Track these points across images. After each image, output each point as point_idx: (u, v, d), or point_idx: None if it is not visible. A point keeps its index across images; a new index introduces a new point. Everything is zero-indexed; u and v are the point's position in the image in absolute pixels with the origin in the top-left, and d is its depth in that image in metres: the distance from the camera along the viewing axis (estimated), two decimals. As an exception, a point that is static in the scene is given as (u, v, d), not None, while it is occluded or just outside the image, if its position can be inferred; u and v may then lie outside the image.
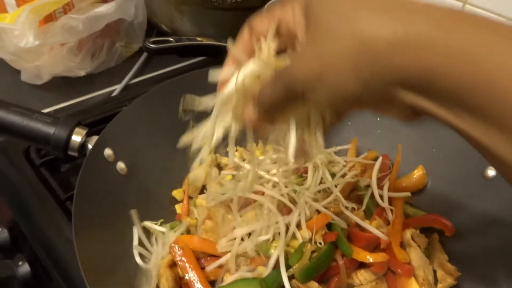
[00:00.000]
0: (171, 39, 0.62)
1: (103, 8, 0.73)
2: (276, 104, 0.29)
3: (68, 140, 0.43)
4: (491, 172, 0.47)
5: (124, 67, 0.80)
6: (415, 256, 0.45)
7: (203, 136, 0.35)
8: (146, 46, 0.61)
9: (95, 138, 0.44)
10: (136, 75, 0.79)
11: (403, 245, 0.47)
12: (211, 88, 0.56)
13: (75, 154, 0.44)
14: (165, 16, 0.82)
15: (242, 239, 0.43)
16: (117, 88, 0.75)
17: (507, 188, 0.45)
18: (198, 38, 0.66)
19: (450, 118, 0.22)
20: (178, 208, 0.49)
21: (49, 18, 0.71)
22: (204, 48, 0.66)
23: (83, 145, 0.44)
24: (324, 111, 0.32)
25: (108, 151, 0.44)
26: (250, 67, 0.31)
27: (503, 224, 0.44)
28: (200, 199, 0.49)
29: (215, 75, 0.34)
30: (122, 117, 0.47)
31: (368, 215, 0.51)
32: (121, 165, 0.45)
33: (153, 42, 0.61)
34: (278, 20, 0.31)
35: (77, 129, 0.44)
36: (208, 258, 0.43)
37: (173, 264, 0.42)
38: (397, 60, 0.22)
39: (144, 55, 0.80)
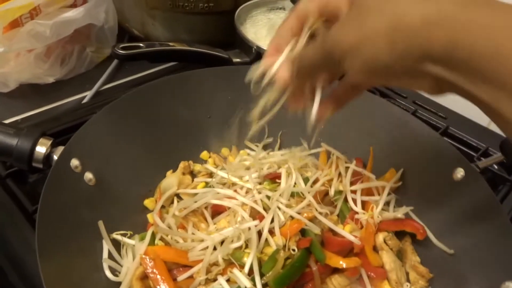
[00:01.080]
0: (141, 44, 0.61)
1: (71, 13, 0.71)
2: (314, 65, 0.33)
3: (32, 151, 0.41)
4: (459, 173, 0.48)
5: (95, 73, 0.78)
6: (388, 259, 0.45)
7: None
8: (115, 52, 0.59)
9: (61, 149, 0.43)
10: (107, 81, 0.77)
11: (376, 248, 0.47)
12: (180, 95, 0.55)
13: (40, 166, 0.43)
14: (137, 21, 0.80)
15: (215, 248, 0.43)
16: (87, 94, 0.74)
17: (474, 189, 0.46)
18: (170, 43, 0.65)
19: (467, 85, 0.26)
20: (149, 217, 0.48)
21: (15, 24, 0.69)
22: (175, 54, 0.65)
23: (48, 156, 0.42)
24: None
25: (74, 162, 0.43)
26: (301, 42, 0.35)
27: (471, 224, 0.45)
28: (173, 208, 0.48)
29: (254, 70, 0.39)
30: (89, 126, 0.46)
31: (342, 219, 0.51)
32: (89, 175, 0.44)
33: (123, 48, 0.60)
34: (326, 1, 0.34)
35: (41, 140, 0.42)
36: (181, 269, 0.42)
37: (144, 277, 0.41)
38: (428, 35, 0.25)
39: (116, 60, 0.79)
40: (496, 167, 0.61)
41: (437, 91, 0.29)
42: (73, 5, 0.76)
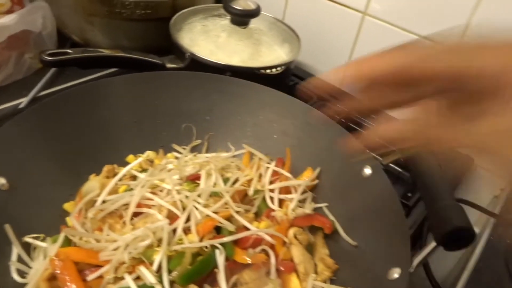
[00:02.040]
0: (69, 51, 0.62)
1: (3, 20, 0.71)
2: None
3: None
4: (367, 171, 0.51)
5: (34, 79, 0.78)
6: (297, 252, 0.48)
7: None
8: (41, 58, 0.60)
9: (-30, 155, 0.43)
10: (46, 87, 0.77)
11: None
12: (105, 100, 0.57)
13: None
14: (75, 27, 0.81)
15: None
16: (24, 101, 0.73)
17: (377, 185, 0.49)
18: (104, 51, 0.66)
19: None
20: (68, 221, 0.49)
21: None
22: (106, 60, 0.66)
23: (-45, 162, 0.43)
24: None
25: (-15, 167, 0.43)
26: None
27: (373, 218, 0.48)
28: (91, 211, 0.49)
29: None
30: (3, 131, 0.46)
31: (260, 216, 0.53)
32: (1, 180, 0.45)
33: (50, 55, 0.61)
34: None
35: (-52, 147, 0.43)
36: (92, 269, 0.44)
37: (52, 278, 0.42)
38: None
39: (55, 66, 0.79)
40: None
41: None
42: (10, 11, 0.76)
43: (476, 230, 0.75)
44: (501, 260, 0.63)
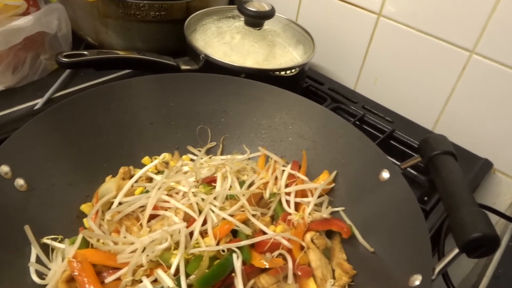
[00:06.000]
0: (85, 52, 0.62)
1: (20, 21, 0.71)
2: None
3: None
4: (385, 175, 0.51)
5: (50, 80, 0.79)
6: (314, 257, 0.47)
7: None
8: (58, 60, 0.60)
9: (-10, 156, 0.44)
10: (61, 88, 0.78)
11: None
12: (121, 102, 0.57)
13: (-32, 173, 0.43)
14: (90, 29, 0.81)
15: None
16: (39, 102, 0.74)
17: (395, 189, 0.49)
18: (116, 52, 0.66)
19: None
20: (86, 222, 0.49)
21: (-36, 32, 0.69)
22: (121, 61, 0.66)
23: (-24, 163, 0.43)
24: None
25: (4, 168, 0.43)
26: None
27: (393, 220, 0.47)
28: (109, 213, 0.49)
29: None
30: (22, 133, 0.47)
31: (276, 219, 0.53)
32: (20, 181, 0.45)
33: (66, 56, 0.61)
34: None
35: (-32, 148, 0.43)
36: (111, 271, 0.43)
37: (70, 279, 0.42)
38: None
39: (70, 67, 0.79)
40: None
41: None
42: (26, 13, 0.77)
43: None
44: (520, 266, 0.61)
